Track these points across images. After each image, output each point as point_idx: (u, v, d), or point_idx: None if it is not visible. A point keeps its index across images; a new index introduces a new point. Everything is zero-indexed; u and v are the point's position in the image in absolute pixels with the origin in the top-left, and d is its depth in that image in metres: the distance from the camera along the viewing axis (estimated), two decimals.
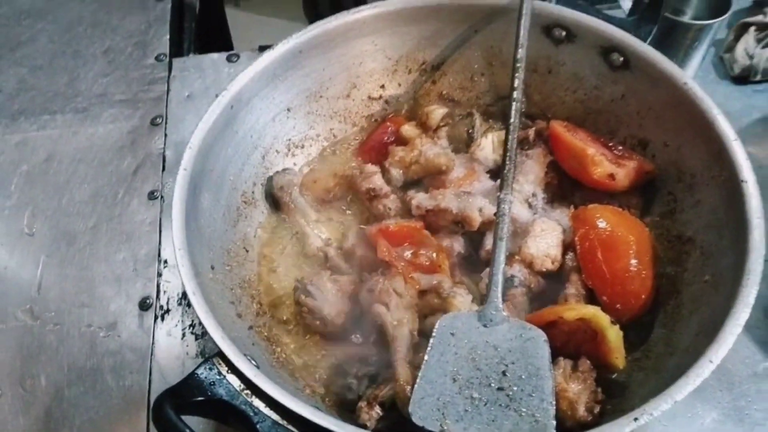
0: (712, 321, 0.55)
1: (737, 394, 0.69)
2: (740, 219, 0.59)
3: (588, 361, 0.58)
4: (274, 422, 0.50)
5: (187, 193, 0.63)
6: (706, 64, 0.93)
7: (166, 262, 0.79)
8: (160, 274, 0.78)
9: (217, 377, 0.52)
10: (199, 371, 0.52)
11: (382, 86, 0.80)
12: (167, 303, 0.76)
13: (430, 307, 0.63)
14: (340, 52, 0.76)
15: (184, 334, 0.74)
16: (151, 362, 0.72)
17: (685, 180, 0.68)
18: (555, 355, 0.58)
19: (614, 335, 0.57)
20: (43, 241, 0.81)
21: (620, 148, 0.71)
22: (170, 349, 0.73)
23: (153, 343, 0.73)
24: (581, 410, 0.55)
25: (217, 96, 0.71)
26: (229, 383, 0.52)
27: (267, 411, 0.51)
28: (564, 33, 0.73)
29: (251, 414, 0.51)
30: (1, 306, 0.77)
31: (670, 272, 0.65)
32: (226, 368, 0.52)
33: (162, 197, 0.84)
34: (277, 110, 0.75)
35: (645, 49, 0.70)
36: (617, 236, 0.63)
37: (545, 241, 0.64)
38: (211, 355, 0.53)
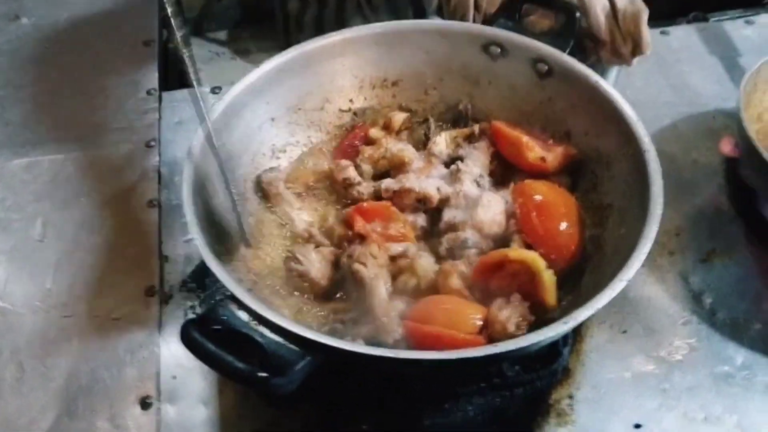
0: (625, 259, 0.68)
1: (661, 339, 0.82)
2: (644, 180, 0.74)
3: (519, 295, 0.70)
4: (277, 342, 0.62)
5: (193, 186, 0.75)
6: None
7: (166, 257, 0.90)
8: (162, 268, 0.89)
9: (230, 313, 0.63)
10: (214, 307, 0.63)
11: (351, 100, 0.93)
12: (170, 290, 0.87)
13: (399, 268, 0.76)
14: (314, 71, 0.90)
15: (186, 314, 0.84)
16: (158, 338, 0.82)
17: (603, 160, 0.83)
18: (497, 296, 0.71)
19: (548, 277, 0.70)
20: (54, 246, 0.91)
21: (550, 141, 0.86)
22: (175, 326, 0.83)
23: (159, 322, 0.83)
24: (511, 327, 0.68)
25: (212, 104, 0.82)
26: (239, 317, 0.63)
27: (271, 335, 0.63)
28: (499, 50, 0.89)
29: (259, 338, 0.62)
30: (18, 301, 0.86)
31: (595, 233, 0.79)
32: (236, 306, 0.63)
33: (159, 205, 0.95)
34: (262, 120, 0.88)
35: (564, 58, 0.86)
36: (548, 202, 0.77)
37: (492, 210, 0.78)
38: (221, 297, 0.64)
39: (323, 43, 0.90)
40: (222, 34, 3.19)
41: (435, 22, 1.07)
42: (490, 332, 0.70)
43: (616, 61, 0.88)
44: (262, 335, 0.62)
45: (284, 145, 0.91)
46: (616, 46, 0.89)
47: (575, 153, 0.84)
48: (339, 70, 0.92)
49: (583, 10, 0.88)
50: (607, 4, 0.87)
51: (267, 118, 0.89)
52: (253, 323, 0.63)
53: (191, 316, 0.83)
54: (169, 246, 0.91)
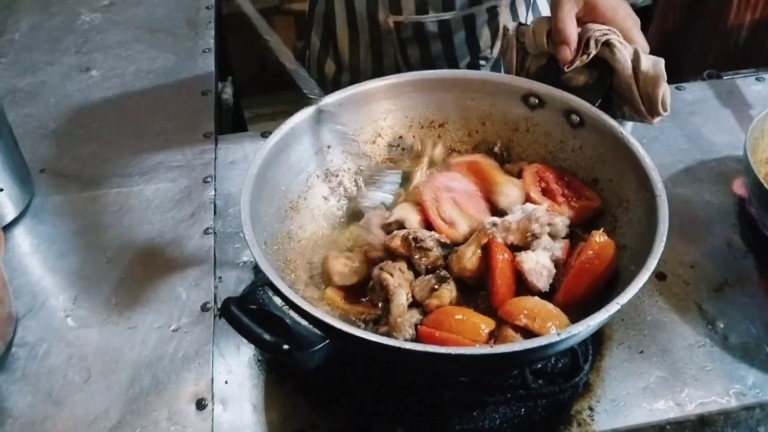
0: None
1: (676, 360, 0.88)
2: (654, 222, 0.81)
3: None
4: (302, 326, 0.71)
5: (252, 192, 0.86)
6: None
7: (220, 278, 0.99)
8: (216, 287, 0.97)
9: (266, 296, 0.73)
10: (253, 290, 0.74)
11: (401, 137, 1.04)
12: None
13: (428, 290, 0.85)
14: (369, 108, 1.02)
15: None
16: (213, 347, 0.90)
17: (623, 205, 0.91)
18: None
19: None
20: (119, 267, 1.01)
21: (577, 187, 0.96)
22: (227, 338, 0.91)
23: (214, 334, 0.92)
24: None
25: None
26: (274, 301, 0.73)
27: (298, 318, 0.72)
28: (537, 101, 0.99)
29: (288, 321, 0.72)
30: (88, 314, 0.95)
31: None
32: (272, 293, 0.73)
33: (215, 233, 1.05)
34: (320, 146, 0.99)
35: (594, 111, 0.96)
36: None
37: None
38: (260, 284, 0.75)
39: (380, 84, 1.02)
40: (263, 99, 3.38)
41: (480, 73, 1.19)
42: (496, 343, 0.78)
43: (637, 118, 0.97)
44: (291, 318, 0.72)
45: (336, 170, 1.01)
46: (637, 105, 0.98)
47: (598, 205, 0.93)
48: (391, 109, 1.03)
49: (612, 69, 0.98)
50: (631, 66, 0.96)
51: (324, 145, 0.99)
52: (285, 308, 0.72)
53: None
54: (223, 268, 1.00)
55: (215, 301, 0.95)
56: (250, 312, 0.71)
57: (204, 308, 0.94)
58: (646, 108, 0.97)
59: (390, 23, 1.33)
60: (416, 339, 0.80)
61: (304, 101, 0.97)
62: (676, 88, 1.28)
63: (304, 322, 0.71)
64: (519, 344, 0.72)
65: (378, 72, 1.42)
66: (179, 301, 0.96)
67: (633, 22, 0.99)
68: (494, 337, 0.78)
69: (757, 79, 1.30)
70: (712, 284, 0.96)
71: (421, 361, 0.73)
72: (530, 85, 1.00)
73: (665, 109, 0.96)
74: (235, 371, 0.88)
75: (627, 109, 0.99)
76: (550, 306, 0.80)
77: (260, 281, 0.76)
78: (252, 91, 3.33)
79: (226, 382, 0.87)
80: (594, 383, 0.86)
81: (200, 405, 0.84)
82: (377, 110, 1.02)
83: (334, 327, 0.70)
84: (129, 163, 1.18)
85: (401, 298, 0.81)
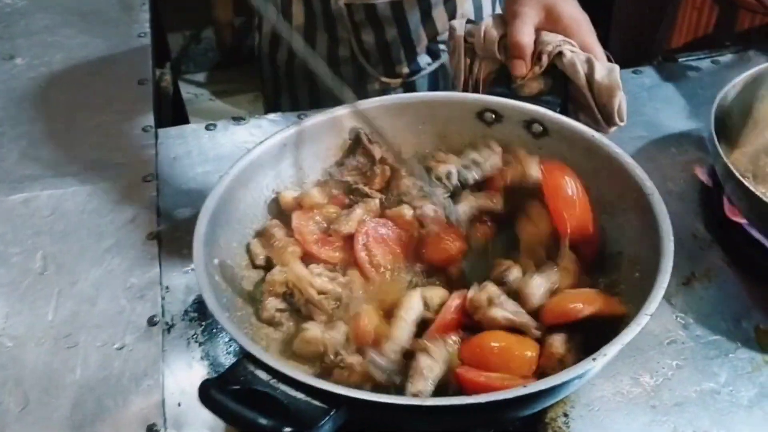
0: (644, 296, 0.71)
1: (648, 359, 0.86)
2: (653, 222, 0.78)
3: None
4: (300, 399, 0.63)
5: (204, 252, 0.77)
6: None
7: (167, 288, 0.92)
8: (163, 298, 0.90)
9: (248, 372, 0.64)
10: (233, 368, 0.65)
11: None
12: (172, 319, 0.88)
13: None
14: (315, 144, 0.93)
15: (188, 342, 0.86)
16: (162, 366, 0.84)
17: (607, 210, 0.87)
18: None
19: None
20: (55, 279, 0.93)
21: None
22: (178, 354, 0.85)
23: (163, 351, 0.85)
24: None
25: (220, 177, 0.85)
26: (258, 376, 0.64)
27: (292, 392, 0.63)
28: (493, 115, 0.94)
29: (281, 396, 0.63)
30: (21, 333, 0.87)
31: (608, 282, 0.83)
32: (254, 366, 0.65)
33: (159, 238, 0.97)
34: (267, 194, 0.90)
35: (558, 117, 0.91)
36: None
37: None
38: (240, 359, 0.66)
39: (326, 118, 0.92)
40: (200, 76, 3.27)
41: (431, 94, 1.12)
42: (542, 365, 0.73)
43: (594, 126, 0.93)
44: (282, 392, 0.63)
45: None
46: (593, 114, 0.95)
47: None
48: (340, 144, 0.95)
49: (568, 75, 0.94)
50: (584, 75, 0.92)
51: (270, 192, 0.91)
52: (273, 381, 0.64)
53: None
54: (169, 276, 0.93)
55: (162, 314, 0.89)
56: (234, 394, 0.62)
57: (151, 322, 0.87)
58: (602, 117, 0.94)
59: (341, 5, 1.27)
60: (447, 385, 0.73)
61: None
62: (633, 72, 1.26)
63: (300, 395, 0.63)
64: (559, 376, 0.65)
65: (334, 61, 1.36)
66: (123, 316, 0.88)
67: (592, 34, 0.97)
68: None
69: (712, 61, 1.29)
70: (679, 277, 0.94)
71: (449, 414, 0.65)
72: (484, 100, 0.94)
73: (621, 119, 0.94)
74: (189, 392, 0.81)
75: (583, 117, 0.96)
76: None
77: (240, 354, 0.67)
78: (185, 69, 3.22)
79: (179, 404, 0.80)
80: None
81: (151, 431, 0.78)
82: (323, 147, 0.94)
83: (341, 395, 0.62)
84: (61, 162, 1.09)
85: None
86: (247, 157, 0.87)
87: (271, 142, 0.89)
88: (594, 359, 0.66)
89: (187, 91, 3.13)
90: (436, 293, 0.81)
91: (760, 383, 0.83)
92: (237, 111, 3.00)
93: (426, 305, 0.80)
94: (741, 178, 0.89)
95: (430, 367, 0.72)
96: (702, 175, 1.05)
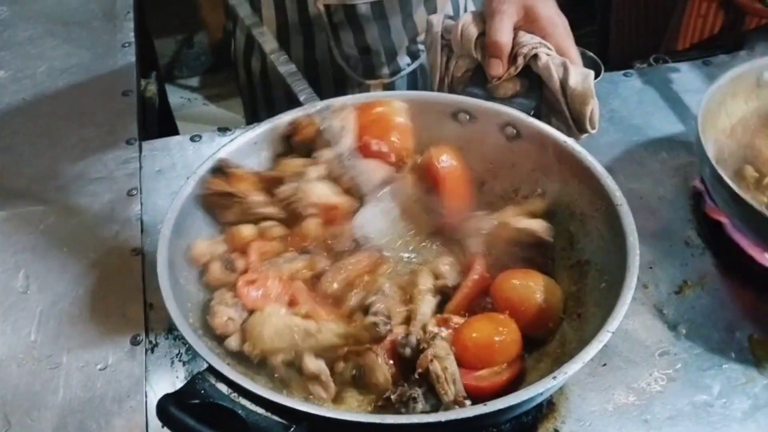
0: (609, 310, 0.70)
1: (640, 370, 0.84)
2: (619, 233, 0.76)
3: None
4: (260, 414, 0.62)
5: (168, 259, 0.75)
6: None
7: (151, 305, 0.90)
8: (147, 316, 0.89)
9: (208, 385, 0.63)
10: (192, 381, 0.63)
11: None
12: (155, 338, 0.87)
13: None
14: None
15: (172, 362, 0.85)
16: (145, 387, 0.82)
17: (577, 217, 0.85)
18: None
19: None
20: (37, 298, 0.91)
21: None
22: (161, 374, 0.84)
23: (146, 371, 0.83)
24: None
25: (187, 178, 0.83)
26: (218, 389, 0.63)
27: (252, 407, 0.63)
28: (468, 116, 0.92)
29: (240, 411, 0.62)
30: (2, 353, 0.86)
31: (573, 290, 0.81)
32: (214, 379, 0.64)
33: (143, 254, 0.96)
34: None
35: (531, 121, 0.89)
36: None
37: None
38: (200, 371, 0.65)
39: (297, 116, 0.90)
40: (193, 81, 3.25)
41: (406, 93, 1.11)
42: None
43: (565, 131, 0.91)
44: (242, 407, 0.62)
45: None
46: (565, 119, 0.93)
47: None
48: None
49: (543, 78, 0.92)
50: (557, 79, 0.91)
51: None
52: (234, 395, 0.63)
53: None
54: (154, 294, 0.91)
55: (146, 333, 0.87)
56: (193, 409, 0.61)
57: (134, 342, 0.86)
58: (574, 123, 0.92)
59: (320, 7, 1.25)
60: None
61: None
62: (624, 74, 1.24)
63: (260, 410, 0.62)
64: (515, 396, 0.64)
65: (310, 63, 1.34)
66: (106, 335, 0.87)
67: (569, 37, 0.95)
68: None
69: (704, 62, 1.27)
70: (671, 286, 0.93)
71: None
72: (459, 101, 0.92)
73: (593, 127, 0.92)
74: None
75: (555, 121, 0.94)
76: None
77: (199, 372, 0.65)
78: (178, 74, 3.20)
79: (163, 426, 0.79)
80: (557, 402, 0.81)
81: None
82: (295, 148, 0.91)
83: (300, 411, 0.61)
84: (44, 176, 1.07)
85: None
86: (214, 157, 0.85)
87: (240, 141, 0.87)
88: (554, 377, 0.64)
89: (180, 95, 3.12)
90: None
91: (754, 395, 0.81)
92: (231, 115, 2.98)
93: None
94: (728, 182, 0.87)
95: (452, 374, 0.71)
96: (693, 180, 1.04)
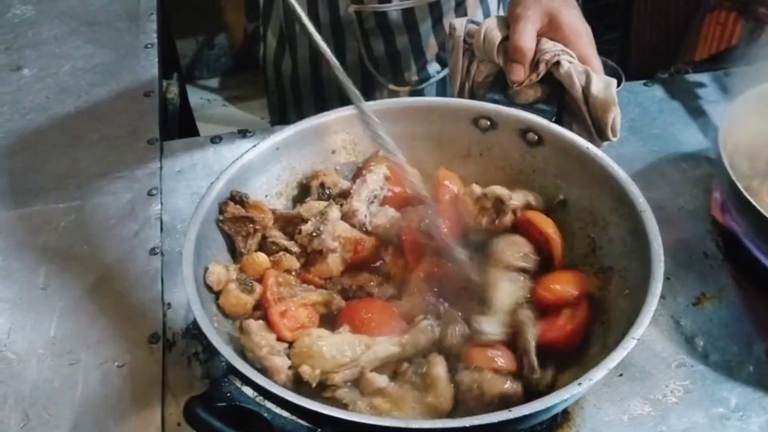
0: (634, 317, 0.70)
1: (656, 382, 0.84)
2: (644, 240, 0.77)
3: None
4: (285, 418, 0.62)
5: (194, 261, 0.76)
6: None
7: (169, 304, 0.91)
8: (165, 315, 0.90)
9: (234, 388, 0.63)
10: (218, 384, 0.64)
11: (345, 176, 0.95)
12: (173, 337, 0.88)
13: None
14: (311, 150, 0.92)
15: (190, 361, 0.85)
16: (163, 385, 0.83)
17: (599, 223, 0.86)
18: None
19: None
20: (57, 294, 0.92)
21: None
22: (178, 373, 0.84)
23: (163, 369, 0.84)
24: None
25: (211, 183, 0.84)
26: (244, 392, 0.64)
27: (277, 410, 0.63)
28: (488, 122, 0.92)
29: (266, 414, 0.62)
30: (22, 349, 0.87)
31: (598, 296, 0.81)
32: (240, 382, 0.64)
33: (162, 253, 0.97)
34: (260, 197, 0.89)
35: (553, 127, 0.89)
36: None
37: None
38: (225, 374, 0.65)
39: (320, 122, 0.92)
40: (213, 82, 3.27)
41: (426, 99, 1.12)
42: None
43: (586, 137, 0.91)
44: (268, 410, 0.62)
45: None
46: (586, 126, 0.93)
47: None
48: (334, 146, 0.93)
49: (565, 85, 0.92)
50: (580, 86, 0.91)
51: (262, 195, 0.90)
52: (259, 398, 0.63)
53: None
54: (171, 293, 0.92)
55: (164, 332, 0.88)
56: (220, 411, 0.61)
57: (152, 340, 0.87)
58: (595, 130, 0.92)
59: (351, 13, 1.26)
60: None
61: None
62: (644, 84, 1.24)
63: (285, 413, 0.62)
64: (539, 402, 0.64)
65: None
66: (124, 333, 0.88)
67: (592, 46, 0.95)
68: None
69: (725, 73, 1.26)
70: (689, 297, 0.92)
71: None
72: (480, 106, 0.93)
73: (614, 135, 0.92)
74: None
75: (576, 127, 0.94)
76: None
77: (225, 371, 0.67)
78: (198, 75, 3.23)
79: (179, 424, 0.80)
80: (572, 412, 0.81)
81: None
82: (318, 150, 0.93)
83: (325, 415, 0.61)
84: (65, 175, 1.08)
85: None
86: (239, 162, 0.86)
87: (263, 146, 0.88)
88: (580, 384, 0.64)
89: (200, 96, 3.14)
90: None
91: None
92: (250, 117, 3.00)
93: None
94: (745, 194, 0.86)
95: None
96: (714, 193, 1.03)
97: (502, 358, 0.74)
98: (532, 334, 0.75)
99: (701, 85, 1.24)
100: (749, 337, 0.87)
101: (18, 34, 1.36)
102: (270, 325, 0.76)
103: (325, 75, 1.35)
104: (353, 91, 0.81)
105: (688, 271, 0.95)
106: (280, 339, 0.75)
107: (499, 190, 0.86)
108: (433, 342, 0.75)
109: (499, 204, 0.86)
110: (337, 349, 0.73)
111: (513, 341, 0.76)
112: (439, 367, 0.72)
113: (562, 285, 0.80)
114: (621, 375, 0.84)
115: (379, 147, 0.86)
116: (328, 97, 1.37)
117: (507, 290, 0.80)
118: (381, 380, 0.72)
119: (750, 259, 0.94)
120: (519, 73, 0.92)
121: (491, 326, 0.76)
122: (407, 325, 0.78)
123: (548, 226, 0.85)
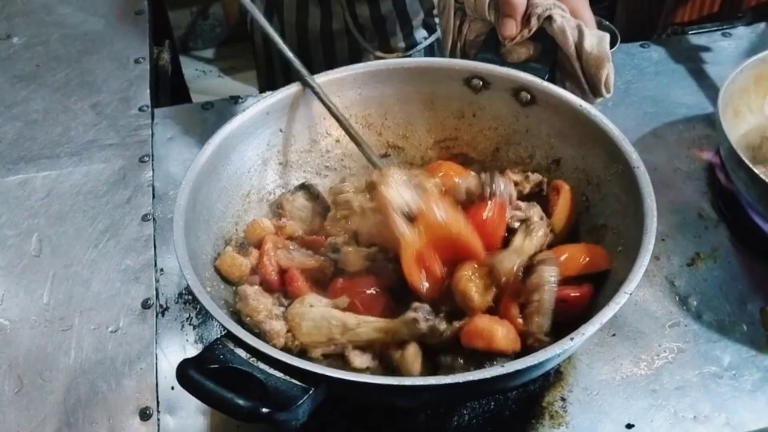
0: (626, 273, 0.69)
1: (649, 341, 0.84)
2: (637, 196, 0.75)
3: None
4: (278, 377, 0.62)
5: (185, 224, 0.74)
6: None
7: (162, 270, 0.91)
8: (158, 280, 0.90)
9: (227, 350, 0.63)
10: (211, 347, 0.63)
11: (338, 141, 0.94)
12: (166, 302, 0.88)
13: None
14: (300, 113, 0.90)
15: (182, 326, 0.86)
16: (156, 349, 0.83)
17: (593, 182, 0.85)
18: None
19: None
20: (50, 261, 0.92)
21: None
22: (172, 338, 0.84)
23: (156, 334, 0.84)
24: None
25: (202, 148, 0.81)
26: (237, 354, 0.63)
27: (271, 371, 0.62)
28: (481, 82, 0.91)
29: (259, 375, 0.62)
30: (16, 316, 0.87)
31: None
32: (233, 344, 0.64)
33: (154, 219, 0.96)
34: (251, 163, 0.88)
35: (546, 85, 0.88)
36: None
37: None
38: (219, 337, 0.65)
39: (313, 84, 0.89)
40: (208, 52, 3.24)
41: (417, 60, 1.09)
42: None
43: (580, 95, 0.90)
44: (261, 371, 0.62)
45: (275, 187, 0.90)
46: (580, 83, 0.92)
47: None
48: (324, 112, 0.90)
49: (557, 41, 0.91)
50: (572, 42, 0.89)
51: (255, 161, 0.88)
52: (252, 359, 0.63)
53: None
54: (164, 259, 0.92)
55: (157, 297, 0.88)
56: (213, 373, 0.61)
57: (145, 305, 0.87)
58: (589, 87, 0.91)
59: None
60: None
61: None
62: (641, 46, 1.23)
63: (278, 374, 0.62)
64: (532, 357, 0.63)
65: (327, 35, 1.33)
66: (117, 298, 0.88)
67: (585, 0, 0.93)
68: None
69: (723, 34, 1.25)
70: (683, 258, 0.92)
71: (426, 393, 0.64)
72: (472, 66, 0.91)
73: (608, 91, 0.91)
74: None
75: (569, 85, 0.93)
76: None
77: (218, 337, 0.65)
78: (193, 46, 3.19)
79: (173, 388, 0.80)
80: (565, 371, 0.81)
81: (144, 415, 0.77)
82: (310, 114, 0.91)
83: (318, 374, 0.61)
84: (57, 142, 1.07)
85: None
86: (228, 127, 0.84)
87: (253, 111, 0.87)
88: (572, 338, 0.64)
89: (195, 67, 3.11)
90: None
91: (764, 367, 0.81)
92: (246, 87, 2.97)
93: None
94: (745, 160, 0.85)
95: None
96: (707, 154, 1.02)
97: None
98: (551, 295, 0.72)
99: (698, 46, 1.22)
100: (743, 296, 0.87)
101: (7, 2, 1.34)
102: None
103: (311, 39, 1.34)
104: (300, 66, 0.84)
105: (682, 232, 0.95)
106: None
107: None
108: (414, 336, 0.72)
109: None
110: (315, 325, 0.72)
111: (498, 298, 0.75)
112: (410, 349, 0.71)
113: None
114: (614, 335, 0.84)
115: (333, 117, 0.86)
116: (316, 60, 1.36)
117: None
118: (361, 361, 0.71)
119: (745, 219, 0.94)
120: (511, 28, 0.90)
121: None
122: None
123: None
